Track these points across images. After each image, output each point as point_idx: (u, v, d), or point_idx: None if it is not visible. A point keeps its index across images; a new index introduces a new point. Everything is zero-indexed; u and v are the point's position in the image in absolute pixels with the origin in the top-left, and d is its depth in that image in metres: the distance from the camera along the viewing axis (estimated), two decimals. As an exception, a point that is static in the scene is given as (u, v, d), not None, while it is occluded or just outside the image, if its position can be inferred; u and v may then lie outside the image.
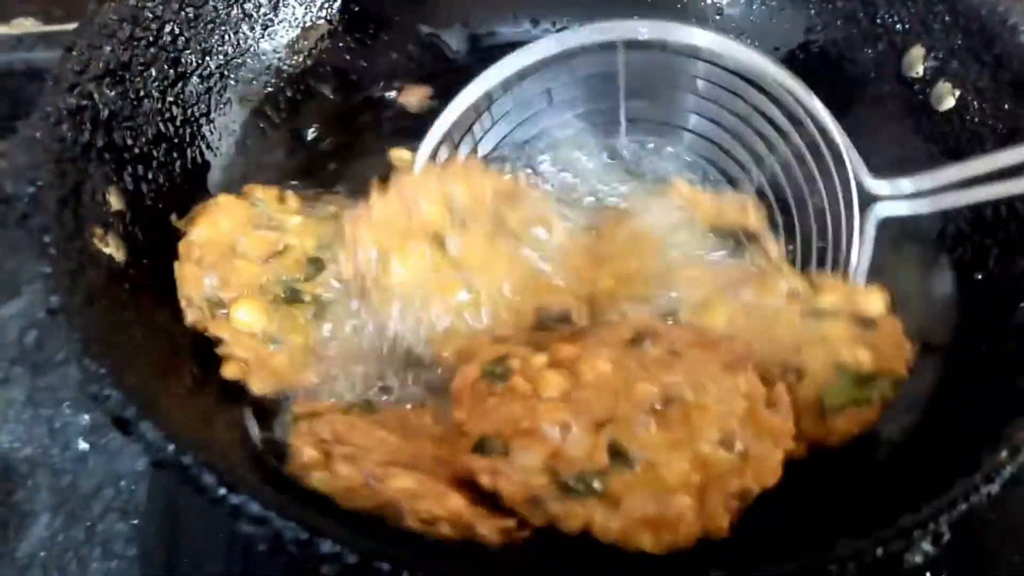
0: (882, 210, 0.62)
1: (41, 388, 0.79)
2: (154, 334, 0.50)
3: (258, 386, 0.55)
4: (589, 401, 0.48)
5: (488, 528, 0.44)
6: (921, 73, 0.67)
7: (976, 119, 0.62)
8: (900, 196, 0.61)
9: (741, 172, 0.69)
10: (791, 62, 0.74)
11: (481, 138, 0.71)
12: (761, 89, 0.66)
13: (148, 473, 0.72)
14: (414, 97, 0.79)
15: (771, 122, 0.66)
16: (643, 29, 0.68)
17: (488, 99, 0.69)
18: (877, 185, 0.62)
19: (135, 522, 0.71)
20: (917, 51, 0.67)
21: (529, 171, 0.71)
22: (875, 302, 0.58)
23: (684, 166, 0.73)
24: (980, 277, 0.60)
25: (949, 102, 0.65)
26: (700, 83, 0.69)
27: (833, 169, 0.62)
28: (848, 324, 0.56)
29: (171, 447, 0.38)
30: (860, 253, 0.62)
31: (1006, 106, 0.60)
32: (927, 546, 0.39)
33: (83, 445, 0.75)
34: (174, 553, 0.67)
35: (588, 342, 0.53)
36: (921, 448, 0.49)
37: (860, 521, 0.39)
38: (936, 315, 0.61)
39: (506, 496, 0.45)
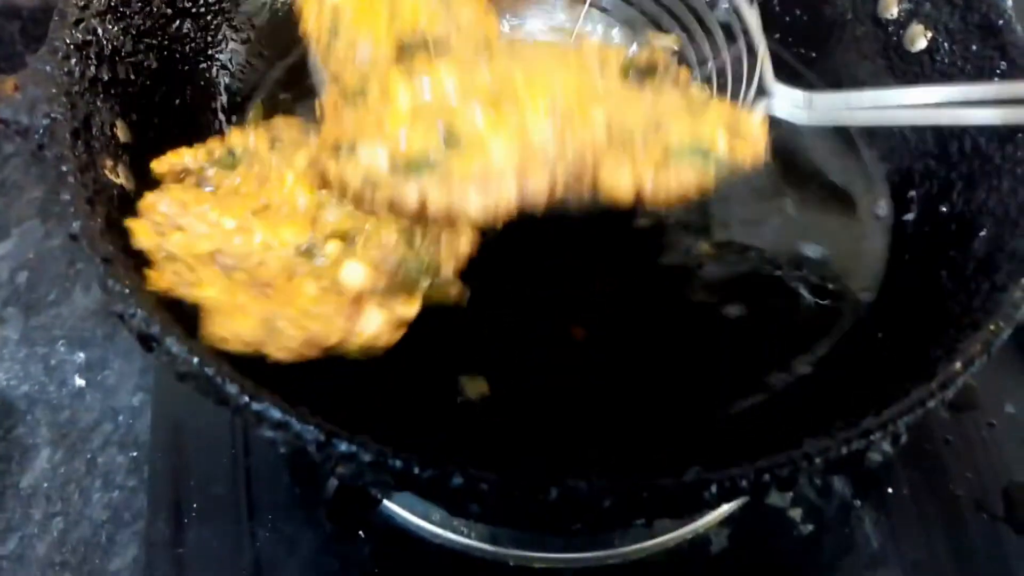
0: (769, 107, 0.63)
1: (35, 327, 0.81)
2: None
3: None
4: (431, 108, 0.51)
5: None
6: (895, 15, 0.69)
7: (946, 60, 0.65)
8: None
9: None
10: (768, 3, 0.76)
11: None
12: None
13: (150, 406, 0.75)
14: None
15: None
16: None
17: None
18: (775, 87, 0.63)
19: (134, 454, 0.74)
20: (892, -8, 0.69)
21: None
22: (754, 118, 0.57)
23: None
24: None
25: (921, 43, 0.67)
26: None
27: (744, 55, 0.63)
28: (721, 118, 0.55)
29: (195, 359, 0.41)
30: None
31: (973, 47, 0.62)
32: (886, 446, 0.43)
33: (79, 382, 0.78)
34: (179, 479, 0.70)
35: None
36: (880, 358, 0.53)
37: (825, 424, 0.43)
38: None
39: (349, 182, 0.48)
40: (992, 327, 0.46)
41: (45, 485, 0.72)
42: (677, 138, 0.53)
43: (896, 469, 0.72)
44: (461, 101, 0.51)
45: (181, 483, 0.69)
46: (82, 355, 0.80)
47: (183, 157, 0.54)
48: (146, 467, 0.72)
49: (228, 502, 0.68)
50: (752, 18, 0.63)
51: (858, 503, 0.71)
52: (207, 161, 0.54)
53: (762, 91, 0.63)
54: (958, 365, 0.45)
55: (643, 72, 0.59)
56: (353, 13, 0.59)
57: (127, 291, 0.42)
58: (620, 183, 0.51)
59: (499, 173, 0.48)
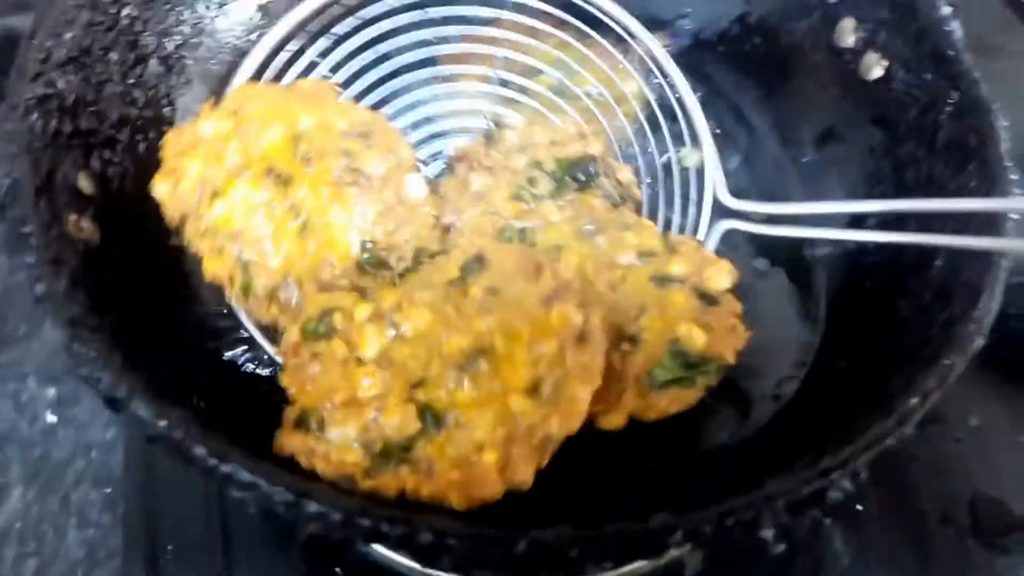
0: (730, 224, 0.67)
1: (4, 363, 0.80)
2: (136, 311, 0.52)
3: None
4: (405, 360, 0.49)
5: None
6: (852, 44, 0.70)
7: (902, 88, 0.66)
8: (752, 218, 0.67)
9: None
10: (728, 33, 0.78)
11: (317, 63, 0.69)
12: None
13: (122, 441, 0.74)
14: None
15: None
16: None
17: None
18: (732, 202, 0.67)
19: (108, 491, 0.73)
20: (848, 22, 0.70)
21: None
22: (722, 278, 0.59)
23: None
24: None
25: (877, 72, 0.68)
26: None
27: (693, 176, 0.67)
28: (691, 296, 0.57)
29: (163, 423, 0.41)
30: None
31: (927, 76, 0.63)
32: (847, 484, 0.44)
33: (51, 418, 0.77)
34: (154, 518, 0.69)
35: (412, 285, 0.54)
36: (839, 396, 0.54)
37: (785, 464, 0.44)
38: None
39: (322, 475, 0.47)
40: (947, 362, 0.48)
41: (18, 525, 0.71)
42: (655, 345, 0.54)
43: (864, 487, 0.74)
44: (437, 359, 0.49)
45: (156, 524, 0.69)
46: (53, 390, 0.79)
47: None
48: (121, 503, 0.71)
49: (203, 542, 0.67)
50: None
51: (828, 521, 0.72)
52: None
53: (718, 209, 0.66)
54: (915, 401, 0.46)
55: (581, 177, 0.62)
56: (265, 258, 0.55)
57: (93, 354, 0.42)
58: (611, 424, 0.53)
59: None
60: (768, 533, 0.69)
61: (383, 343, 0.49)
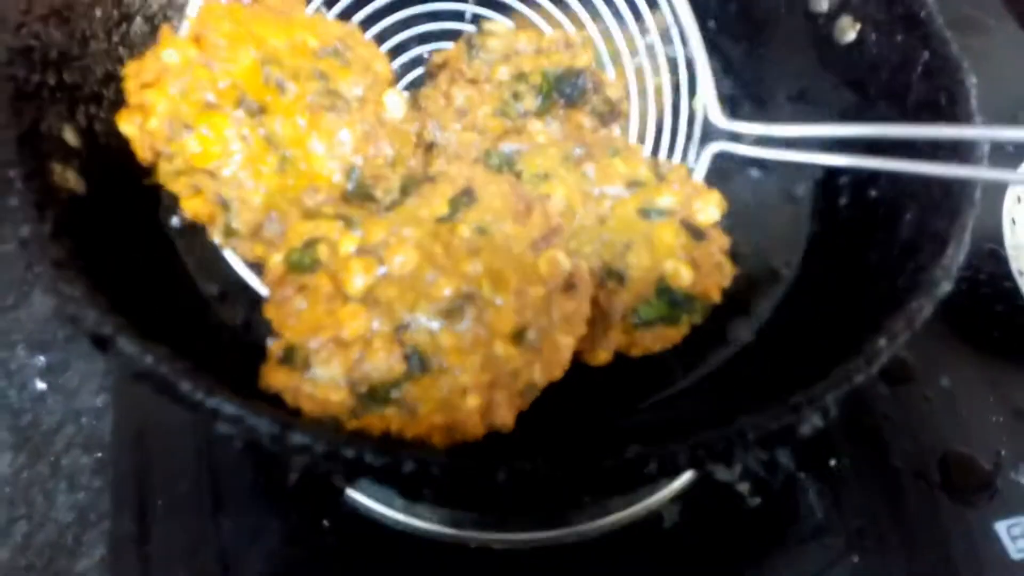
0: (720, 147, 0.66)
1: (-7, 333, 0.80)
2: (121, 257, 0.52)
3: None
4: (391, 301, 0.48)
5: None
6: (826, 8, 0.71)
7: (874, 51, 0.67)
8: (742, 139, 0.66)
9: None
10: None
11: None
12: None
13: (112, 405, 0.75)
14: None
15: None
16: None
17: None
18: (723, 122, 0.66)
19: (99, 455, 0.74)
20: (823, -14, 0.72)
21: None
22: (711, 210, 0.59)
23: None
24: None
25: (851, 35, 0.69)
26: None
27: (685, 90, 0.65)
28: (679, 230, 0.57)
29: (149, 358, 0.42)
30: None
31: (899, 38, 0.64)
32: (816, 420, 0.46)
33: (40, 385, 0.78)
34: (144, 476, 0.70)
35: (399, 218, 0.52)
36: (811, 338, 0.56)
37: (757, 401, 0.45)
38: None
39: (307, 414, 0.47)
40: (914, 305, 0.49)
41: (7, 489, 0.72)
42: (641, 283, 0.54)
43: (838, 443, 0.76)
44: (423, 302, 0.48)
45: (145, 480, 0.70)
46: (43, 358, 0.79)
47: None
48: (110, 468, 0.72)
49: (193, 497, 0.69)
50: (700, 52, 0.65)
51: (802, 475, 0.74)
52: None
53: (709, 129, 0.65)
54: (883, 341, 0.48)
55: (568, 92, 0.60)
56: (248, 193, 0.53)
57: (78, 294, 0.43)
58: (596, 361, 0.53)
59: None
60: (744, 487, 0.73)
61: (369, 280, 0.49)
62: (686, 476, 0.71)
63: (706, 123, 0.66)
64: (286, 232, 0.52)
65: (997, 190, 0.83)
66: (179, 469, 0.70)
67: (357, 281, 0.49)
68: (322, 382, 0.46)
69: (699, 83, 0.65)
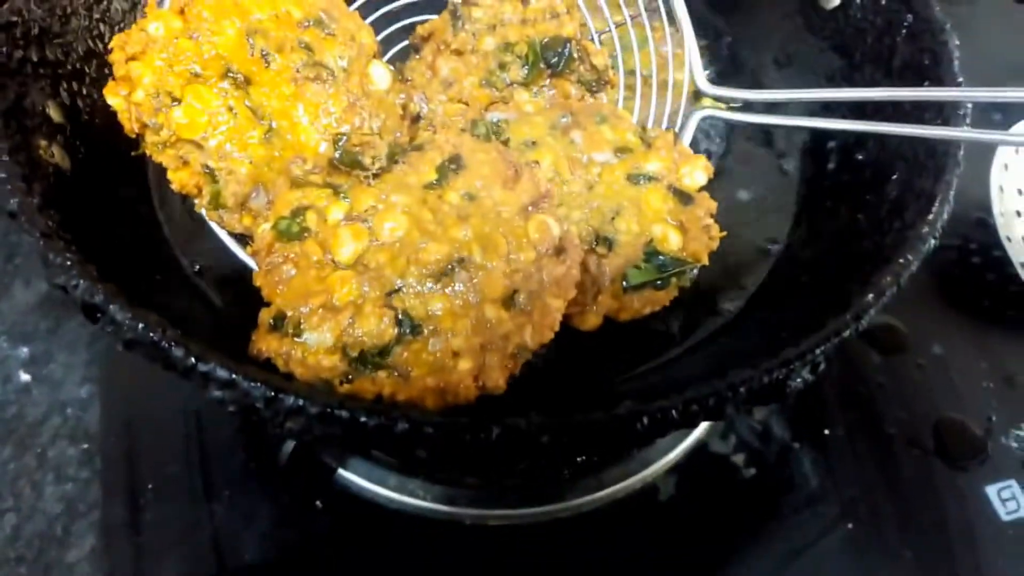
0: (706, 112, 0.66)
1: (-26, 327, 0.79)
2: (107, 233, 0.52)
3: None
4: (381, 267, 0.48)
5: None
6: (811, -27, 0.72)
7: (859, 15, 0.68)
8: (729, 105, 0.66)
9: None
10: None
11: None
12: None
13: (97, 396, 0.75)
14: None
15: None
16: None
17: None
18: (709, 88, 0.66)
19: (85, 446, 0.73)
20: (810, -47, 0.71)
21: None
22: (698, 174, 0.59)
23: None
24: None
25: (836, 0, 0.69)
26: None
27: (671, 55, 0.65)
28: (667, 195, 0.57)
29: (140, 326, 0.41)
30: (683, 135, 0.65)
31: (883, 2, 0.65)
32: (806, 374, 0.46)
33: (24, 377, 0.77)
34: (133, 462, 0.70)
35: (387, 185, 0.53)
36: (802, 297, 0.56)
37: (748, 357, 0.45)
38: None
39: (299, 379, 0.47)
40: (901, 260, 0.49)
41: (-6, 482, 0.71)
42: (630, 248, 0.54)
43: (832, 411, 0.76)
44: (413, 267, 0.48)
45: (135, 466, 0.70)
46: (26, 350, 0.79)
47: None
48: (98, 457, 0.72)
49: (184, 481, 0.69)
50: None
51: (797, 445, 0.74)
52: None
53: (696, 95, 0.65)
54: (870, 297, 0.48)
55: (555, 61, 0.60)
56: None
57: (68, 263, 0.42)
58: (586, 325, 0.53)
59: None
60: (739, 458, 0.73)
61: (358, 247, 0.49)
62: (681, 448, 0.72)
63: (693, 89, 0.66)
64: (274, 200, 0.53)
65: (984, 159, 0.84)
66: (169, 455, 0.70)
67: (346, 248, 0.49)
68: (313, 347, 0.46)
69: (686, 49, 0.66)
